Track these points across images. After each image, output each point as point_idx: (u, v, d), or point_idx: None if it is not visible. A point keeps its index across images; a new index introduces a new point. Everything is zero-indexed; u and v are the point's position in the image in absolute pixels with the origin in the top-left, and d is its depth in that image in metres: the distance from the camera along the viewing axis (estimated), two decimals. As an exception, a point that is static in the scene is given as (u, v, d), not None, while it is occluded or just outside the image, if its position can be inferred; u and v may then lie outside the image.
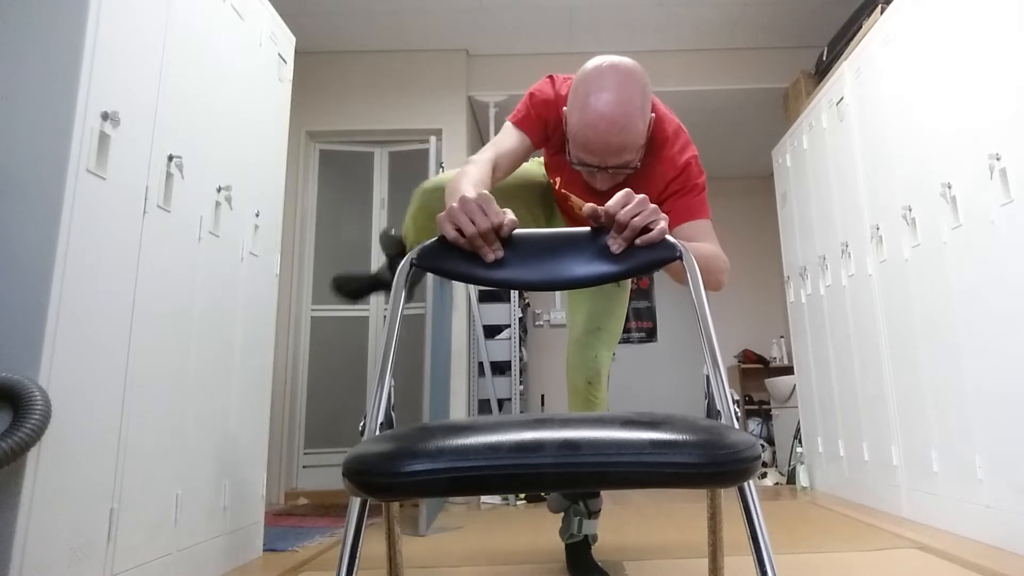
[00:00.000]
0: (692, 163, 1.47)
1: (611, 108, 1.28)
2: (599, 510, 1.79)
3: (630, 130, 1.30)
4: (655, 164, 1.46)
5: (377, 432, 0.88)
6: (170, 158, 1.70)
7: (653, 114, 1.40)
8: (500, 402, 3.74)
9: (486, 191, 1.06)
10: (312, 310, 4.03)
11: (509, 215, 1.04)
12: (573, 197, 1.60)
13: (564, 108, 1.43)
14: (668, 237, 1.04)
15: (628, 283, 1.83)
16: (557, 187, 1.62)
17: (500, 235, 1.04)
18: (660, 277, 5.68)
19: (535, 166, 1.78)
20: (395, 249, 2.05)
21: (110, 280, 1.48)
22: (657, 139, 1.45)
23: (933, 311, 2.36)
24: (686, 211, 1.43)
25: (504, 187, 1.70)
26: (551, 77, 1.51)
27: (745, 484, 0.76)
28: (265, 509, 2.26)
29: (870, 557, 1.96)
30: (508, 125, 1.50)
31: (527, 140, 1.49)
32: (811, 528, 2.45)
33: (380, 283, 2.12)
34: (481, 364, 3.76)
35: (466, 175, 1.30)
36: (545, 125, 1.50)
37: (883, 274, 2.72)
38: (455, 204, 1.03)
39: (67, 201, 1.34)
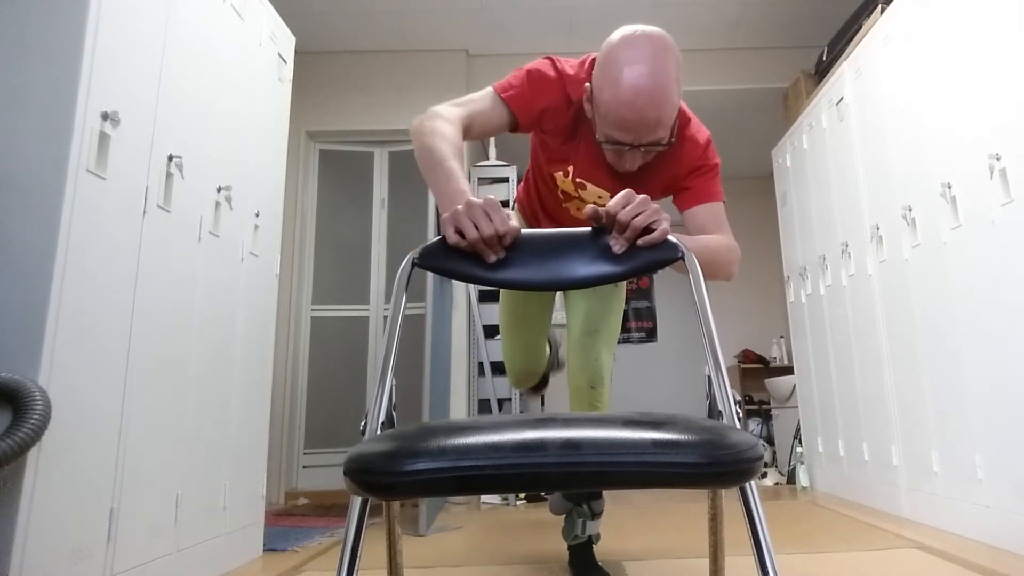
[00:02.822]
0: (711, 142, 1.44)
1: (648, 81, 1.20)
2: (602, 511, 1.78)
3: (667, 104, 1.23)
4: (680, 143, 1.40)
5: (378, 431, 0.88)
6: (170, 158, 1.70)
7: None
8: (500, 402, 3.73)
9: (493, 197, 1.03)
10: (312, 310, 4.02)
11: (513, 222, 1.02)
12: (588, 188, 1.50)
13: (587, 85, 1.33)
14: (670, 237, 1.04)
15: (624, 283, 1.78)
16: (570, 177, 1.51)
17: (503, 244, 1.03)
18: (660, 277, 5.68)
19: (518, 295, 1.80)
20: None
21: (110, 280, 1.48)
22: (680, 118, 1.38)
23: (933, 311, 2.36)
24: (705, 191, 1.40)
25: (518, 316, 1.80)
26: (551, 59, 1.41)
27: (747, 484, 0.75)
28: (265, 509, 2.26)
29: (870, 557, 1.96)
30: (492, 93, 1.37)
31: (509, 118, 1.36)
32: (811, 528, 2.45)
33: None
34: (481, 364, 3.76)
35: (442, 136, 1.21)
36: (541, 111, 1.38)
37: (883, 274, 2.72)
38: (460, 207, 1.01)
39: (67, 201, 1.34)
